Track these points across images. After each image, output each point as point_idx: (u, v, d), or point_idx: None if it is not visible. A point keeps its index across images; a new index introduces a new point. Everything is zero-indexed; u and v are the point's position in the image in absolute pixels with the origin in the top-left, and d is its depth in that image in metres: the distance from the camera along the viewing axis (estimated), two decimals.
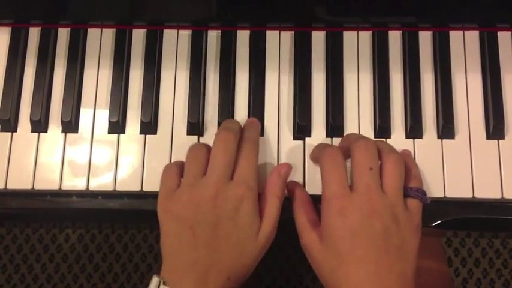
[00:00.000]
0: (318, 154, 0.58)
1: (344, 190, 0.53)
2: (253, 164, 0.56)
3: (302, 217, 0.56)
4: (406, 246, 0.52)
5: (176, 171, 0.57)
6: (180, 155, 0.61)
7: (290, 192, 0.59)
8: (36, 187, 0.61)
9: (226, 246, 0.53)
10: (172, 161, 0.61)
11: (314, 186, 0.60)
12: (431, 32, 0.65)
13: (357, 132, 0.62)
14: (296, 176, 0.61)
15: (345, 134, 0.62)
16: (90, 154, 0.62)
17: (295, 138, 0.62)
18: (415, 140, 0.61)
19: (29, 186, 0.61)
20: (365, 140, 0.55)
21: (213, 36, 0.65)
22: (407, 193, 0.55)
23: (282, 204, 0.57)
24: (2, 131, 0.63)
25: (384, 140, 0.61)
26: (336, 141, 0.61)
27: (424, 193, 0.55)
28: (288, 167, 0.59)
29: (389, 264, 0.51)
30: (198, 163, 0.55)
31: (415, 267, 0.53)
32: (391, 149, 0.56)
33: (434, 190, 0.60)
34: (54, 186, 0.61)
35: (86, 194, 0.62)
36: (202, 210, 0.53)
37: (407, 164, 0.57)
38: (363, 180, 0.53)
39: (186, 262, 0.53)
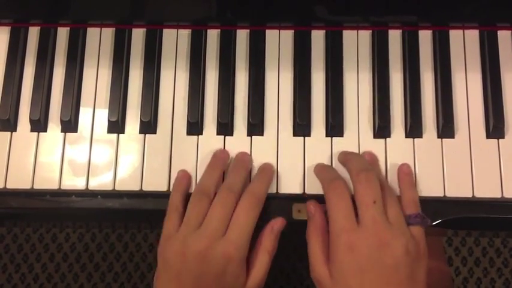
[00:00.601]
0: (322, 183, 0.58)
1: (351, 224, 0.53)
2: (249, 223, 0.55)
3: (316, 246, 0.56)
4: (416, 275, 0.52)
5: (177, 215, 0.58)
6: (179, 155, 0.62)
7: (309, 213, 0.58)
8: (36, 187, 0.61)
9: None
10: (172, 162, 0.62)
11: (313, 186, 0.60)
12: (431, 31, 0.65)
13: (357, 131, 0.62)
14: (295, 176, 0.61)
15: (344, 134, 0.62)
16: (89, 154, 0.62)
17: (294, 137, 0.62)
18: (415, 139, 0.61)
19: (28, 186, 0.61)
20: (365, 172, 0.55)
21: (213, 36, 0.65)
22: (407, 221, 0.55)
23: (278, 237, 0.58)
24: (2, 130, 0.63)
25: (384, 139, 0.61)
26: (336, 140, 0.61)
27: (422, 217, 0.56)
28: (282, 222, 0.59)
29: None
30: (198, 215, 0.56)
31: None
32: (383, 182, 0.57)
33: (434, 189, 0.60)
34: (53, 185, 0.61)
35: (86, 194, 0.62)
36: (189, 262, 0.53)
37: (402, 188, 0.58)
38: (368, 213, 0.53)
39: None
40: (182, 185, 0.60)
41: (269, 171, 0.60)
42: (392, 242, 0.51)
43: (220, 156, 0.60)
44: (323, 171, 0.60)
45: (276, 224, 0.58)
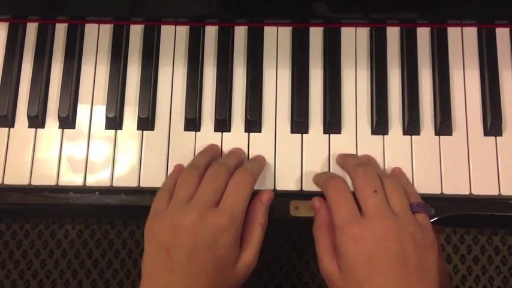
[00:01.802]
0: (321, 184, 0.57)
1: (354, 216, 0.52)
2: (243, 194, 0.55)
3: (323, 241, 0.55)
4: (425, 265, 0.51)
5: (167, 194, 0.57)
6: (177, 151, 0.62)
7: (314, 209, 0.58)
8: (34, 183, 0.61)
9: (201, 274, 0.52)
10: (169, 158, 0.62)
11: (311, 183, 0.60)
12: (430, 28, 0.65)
13: (354, 128, 0.62)
14: (293, 173, 0.61)
15: (342, 131, 0.62)
16: (87, 150, 0.62)
17: (292, 134, 0.62)
18: (413, 136, 0.61)
19: (26, 182, 0.61)
20: (362, 166, 0.55)
21: (211, 32, 0.65)
22: (412, 210, 0.54)
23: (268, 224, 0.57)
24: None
25: (382, 136, 0.61)
26: (333, 137, 0.61)
27: (426, 205, 0.55)
28: (270, 193, 0.58)
29: (411, 287, 0.50)
30: (187, 188, 0.55)
31: (437, 283, 0.52)
32: (385, 173, 0.57)
33: (432, 187, 0.60)
34: (51, 182, 0.61)
35: (83, 190, 0.62)
36: (180, 236, 0.52)
37: (401, 182, 0.57)
38: (370, 203, 0.52)
39: (161, 284, 0.52)
40: (176, 173, 0.59)
41: (261, 158, 0.61)
42: (398, 230, 0.50)
43: (211, 147, 0.61)
44: (319, 175, 0.60)
45: (265, 195, 0.58)
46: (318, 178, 0.60)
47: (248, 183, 0.55)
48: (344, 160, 0.59)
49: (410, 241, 0.50)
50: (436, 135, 0.61)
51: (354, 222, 0.51)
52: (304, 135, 0.62)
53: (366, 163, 0.59)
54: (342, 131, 0.62)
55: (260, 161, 0.60)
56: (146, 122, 0.62)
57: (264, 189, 0.59)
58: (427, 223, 0.54)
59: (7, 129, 0.63)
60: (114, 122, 0.62)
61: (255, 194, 0.57)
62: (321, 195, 0.57)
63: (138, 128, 0.62)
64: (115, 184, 0.61)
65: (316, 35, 0.65)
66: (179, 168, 0.60)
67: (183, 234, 0.52)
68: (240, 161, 0.60)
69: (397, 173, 0.60)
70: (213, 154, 0.60)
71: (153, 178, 0.61)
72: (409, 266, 0.50)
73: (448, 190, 0.60)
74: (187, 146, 0.62)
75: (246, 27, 0.65)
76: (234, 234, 0.53)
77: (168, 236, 0.52)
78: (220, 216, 0.52)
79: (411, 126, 0.61)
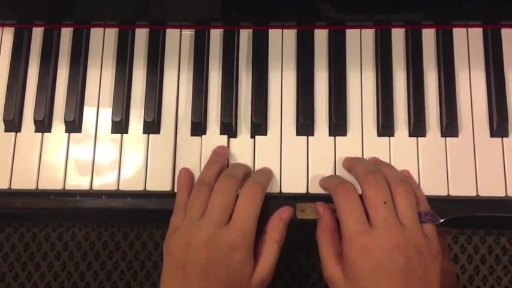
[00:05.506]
0: (330, 189, 0.57)
1: (364, 227, 0.52)
2: (254, 209, 0.55)
3: (327, 246, 0.56)
4: (429, 276, 0.52)
5: (182, 209, 0.58)
6: (183, 154, 0.62)
7: (318, 214, 0.58)
8: (40, 187, 0.61)
9: None
10: (175, 162, 0.62)
11: (317, 186, 0.60)
12: (435, 29, 0.64)
13: (360, 130, 0.62)
14: (299, 175, 0.61)
15: (348, 133, 0.62)
16: (93, 154, 0.62)
17: (298, 136, 0.62)
18: (419, 138, 0.61)
19: (33, 186, 0.61)
20: (373, 174, 0.55)
21: (216, 36, 0.65)
22: (420, 219, 0.54)
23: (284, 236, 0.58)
24: (6, 131, 0.63)
25: (388, 138, 0.61)
26: (339, 140, 0.61)
27: (433, 215, 0.55)
28: (290, 211, 0.58)
29: None
30: (199, 204, 0.56)
31: None
32: (398, 177, 0.56)
33: (438, 188, 0.60)
34: (58, 186, 0.61)
35: (90, 194, 0.62)
36: (194, 253, 0.53)
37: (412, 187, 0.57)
38: (379, 215, 0.52)
39: None
40: (186, 183, 0.60)
41: (268, 170, 0.61)
42: (405, 243, 0.51)
43: (219, 152, 0.61)
44: (328, 179, 0.59)
45: (284, 213, 0.58)
46: (325, 182, 0.59)
47: (258, 195, 0.56)
48: (352, 164, 0.59)
49: (416, 254, 0.51)
50: (442, 136, 0.61)
51: (363, 233, 0.52)
52: (309, 137, 0.62)
53: (375, 164, 0.59)
54: (348, 133, 0.62)
55: (267, 172, 0.60)
56: (152, 126, 0.62)
57: (283, 207, 0.59)
58: (433, 234, 0.54)
59: (14, 133, 0.63)
60: (120, 126, 0.62)
61: None
62: (327, 197, 0.57)
63: (144, 132, 0.63)
64: (121, 188, 0.61)
65: (321, 37, 0.65)
66: (185, 174, 0.60)
67: (197, 252, 0.53)
68: (247, 171, 0.60)
69: (406, 177, 0.59)
70: (220, 163, 0.60)
71: (159, 182, 0.61)
72: (413, 277, 0.51)
73: (455, 192, 0.59)
74: (193, 150, 0.62)
75: (251, 30, 0.65)
76: (247, 250, 0.54)
77: (182, 253, 0.53)
78: (232, 233, 0.53)
79: (417, 128, 0.61)
